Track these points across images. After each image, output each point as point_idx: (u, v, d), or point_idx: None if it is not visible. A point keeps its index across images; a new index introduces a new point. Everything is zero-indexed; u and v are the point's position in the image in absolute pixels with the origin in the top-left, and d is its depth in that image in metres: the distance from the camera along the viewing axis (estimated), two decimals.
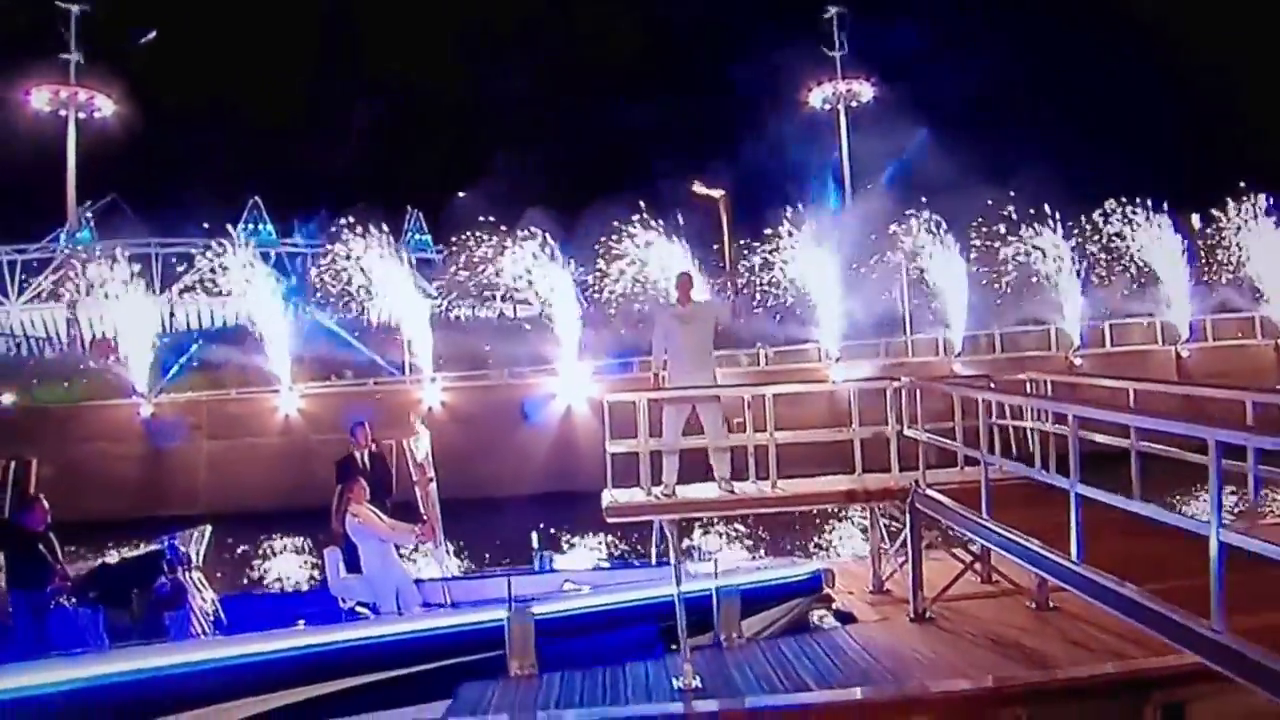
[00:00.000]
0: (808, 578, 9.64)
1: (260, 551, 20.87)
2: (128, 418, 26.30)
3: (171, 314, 45.20)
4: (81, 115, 45.52)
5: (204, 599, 9.25)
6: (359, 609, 9.32)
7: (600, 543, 18.04)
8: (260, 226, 68.13)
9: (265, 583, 18.07)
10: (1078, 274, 32.11)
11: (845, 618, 9.13)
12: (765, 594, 9.22)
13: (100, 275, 30.64)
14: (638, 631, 8.22)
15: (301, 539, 20.95)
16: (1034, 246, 33.10)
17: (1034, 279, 32.94)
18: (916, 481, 8.49)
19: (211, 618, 9.10)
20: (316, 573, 17.09)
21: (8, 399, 28.56)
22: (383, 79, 70.37)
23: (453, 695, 7.18)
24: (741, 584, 8.71)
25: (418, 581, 9.89)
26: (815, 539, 16.44)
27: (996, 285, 34.37)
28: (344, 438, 11.50)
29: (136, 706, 7.03)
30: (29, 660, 7.38)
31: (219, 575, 17.88)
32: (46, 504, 9.30)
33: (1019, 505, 7.28)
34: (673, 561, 7.86)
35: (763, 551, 15.84)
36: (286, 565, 19.46)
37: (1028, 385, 9.41)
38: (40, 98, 45.06)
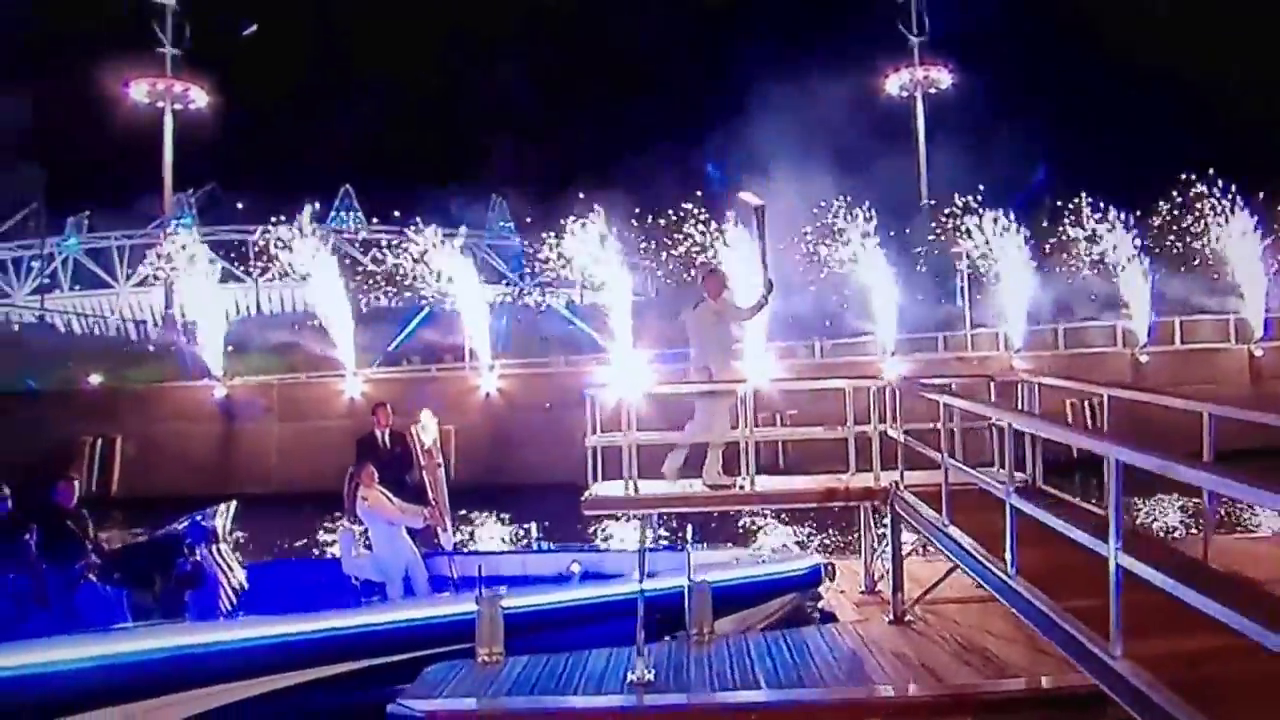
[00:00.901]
0: (805, 572, 9.68)
1: (323, 529, 21.74)
2: (204, 399, 27.66)
3: (259, 298, 47.05)
4: (177, 106, 47.65)
5: (231, 573, 9.77)
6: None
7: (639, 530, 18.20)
8: (351, 214, 70.58)
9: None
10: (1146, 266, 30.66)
11: (829, 617, 9.15)
12: (756, 588, 9.32)
13: (184, 261, 32.07)
14: (624, 625, 8.36)
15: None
16: (1097, 237, 31.60)
17: (1099, 271, 31.59)
18: (896, 483, 8.43)
19: (237, 592, 9.61)
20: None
21: (95, 379, 30.32)
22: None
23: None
24: (722, 580, 8.82)
25: (430, 554, 10.23)
26: (837, 535, 16.31)
27: (1065, 276, 33.09)
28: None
29: (116, 688, 7.42)
30: (46, 636, 7.72)
31: (284, 547, 18.81)
32: (77, 483, 9.68)
33: (990, 510, 7.23)
34: (640, 554, 7.98)
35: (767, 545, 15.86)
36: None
37: (1018, 388, 9.19)
38: (139, 90, 47.33)
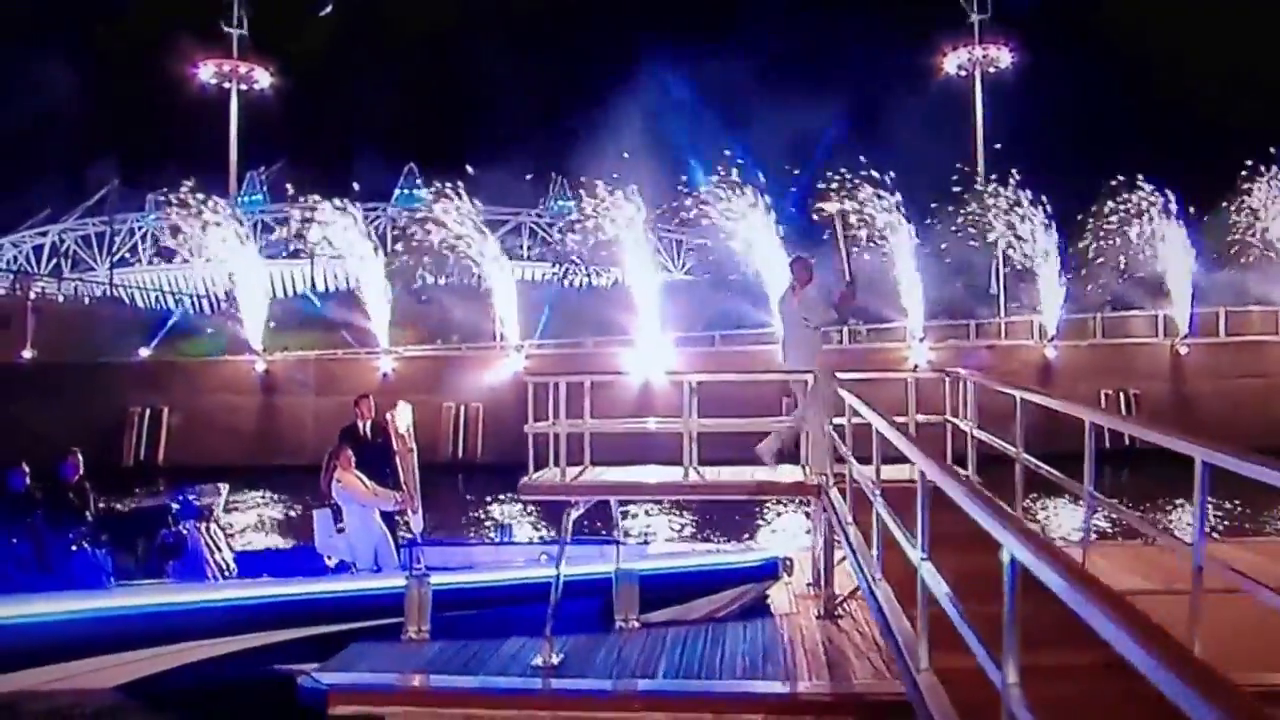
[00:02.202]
0: (759, 564, 9.73)
1: None
2: (246, 373, 28.66)
3: (314, 275, 48.23)
4: (243, 87, 49.08)
5: (219, 551, 10.26)
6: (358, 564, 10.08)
7: (672, 517, 18.28)
8: (414, 191, 71.68)
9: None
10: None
11: (765, 609, 9.18)
12: (701, 579, 9.41)
13: (222, 238, 32.95)
14: (574, 605, 8.52)
15: None
16: (1144, 223, 30.14)
17: (1146, 258, 30.27)
18: (828, 477, 8.39)
19: (222, 568, 10.08)
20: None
21: (144, 352, 31.62)
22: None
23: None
24: (657, 569, 8.97)
25: (411, 543, 10.57)
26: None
27: (1110, 263, 31.81)
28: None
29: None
30: (35, 593, 8.58)
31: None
32: (80, 457, 10.19)
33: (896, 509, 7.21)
34: (560, 544, 8.13)
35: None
36: None
37: (961, 384, 9.00)
38: (206, 71, 48.90)
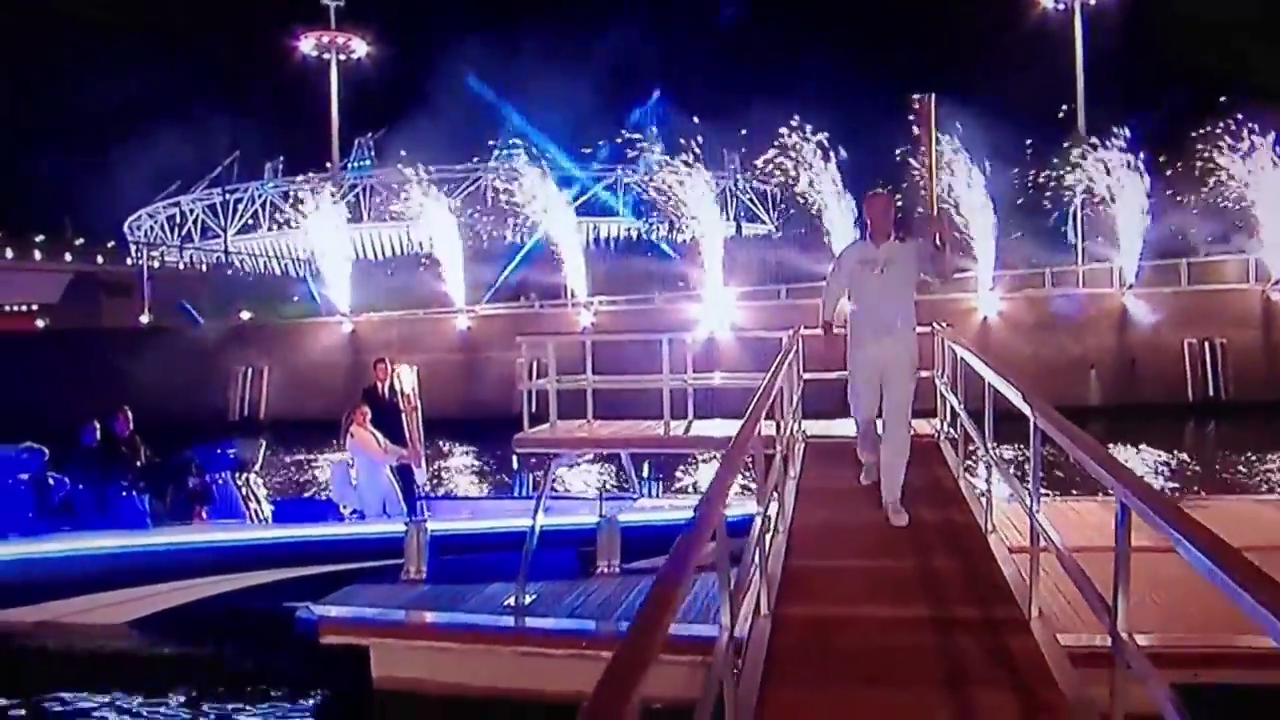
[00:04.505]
0: (738, 519, 10.00)
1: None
2: (335, 333, 30.23)
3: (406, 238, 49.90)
4: (341, 57, 50.77)
5: (255, 500, 11.28)
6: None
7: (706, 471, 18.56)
8: (511, 150, 72.62)
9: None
10: None
11: None
12: (679, 530, 9.77)
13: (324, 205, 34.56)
14: (557, 554, 9.07)
15: (468, 445, 23.43)
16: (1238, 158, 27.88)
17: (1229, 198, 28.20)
18: (803, 432, 8.60)
19: (257, 516, 11.10)
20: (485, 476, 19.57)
21: (245, 315, 33.63)
22: None
23: None
24: (638, 521, 9.39)
25: (428, 497, 11.37)
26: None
27: (1199, 206, 29.78)
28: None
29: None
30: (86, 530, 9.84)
31: None
32: (129, 414, 11.26)
33: (844, 465, 7.46)
34: (538, 496, 8.62)
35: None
36: (456, 463, 21.89)
37: (934, 343, 9.04)
38: (307, 43, 50.78)
